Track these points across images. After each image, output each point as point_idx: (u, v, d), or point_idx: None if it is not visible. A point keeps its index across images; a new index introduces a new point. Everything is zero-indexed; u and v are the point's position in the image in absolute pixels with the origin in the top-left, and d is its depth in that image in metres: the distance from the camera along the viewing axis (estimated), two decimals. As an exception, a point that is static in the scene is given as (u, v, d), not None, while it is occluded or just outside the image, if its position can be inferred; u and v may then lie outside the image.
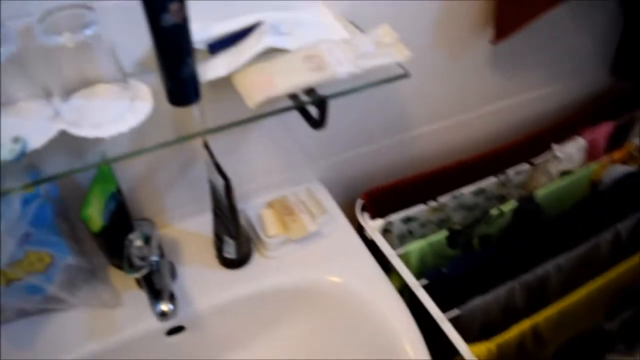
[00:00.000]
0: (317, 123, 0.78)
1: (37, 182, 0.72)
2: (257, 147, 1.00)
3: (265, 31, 0.77)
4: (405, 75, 0.78)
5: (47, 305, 0.89)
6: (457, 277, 1.03)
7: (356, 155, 1.13)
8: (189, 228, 1.04)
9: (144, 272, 0.80)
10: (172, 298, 0.83)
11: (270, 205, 1.04)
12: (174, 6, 0.64)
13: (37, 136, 0.68)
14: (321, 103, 0.75)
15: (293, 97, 0.77)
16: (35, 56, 0.67)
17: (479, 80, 1.16)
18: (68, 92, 0.72)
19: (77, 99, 0.73)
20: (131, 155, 0.73)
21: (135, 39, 0.75)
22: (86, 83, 0.73)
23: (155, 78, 0.74)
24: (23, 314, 0.90)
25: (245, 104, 0.73)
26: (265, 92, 0.72)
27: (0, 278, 0.81)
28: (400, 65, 0.79)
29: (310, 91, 0.76)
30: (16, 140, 0.65)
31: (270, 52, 0.76)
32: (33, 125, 0.71)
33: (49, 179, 0.76)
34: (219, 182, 0.83)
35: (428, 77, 1.07)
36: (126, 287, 0.94)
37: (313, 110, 0.80)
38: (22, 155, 0.65)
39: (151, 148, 0.71)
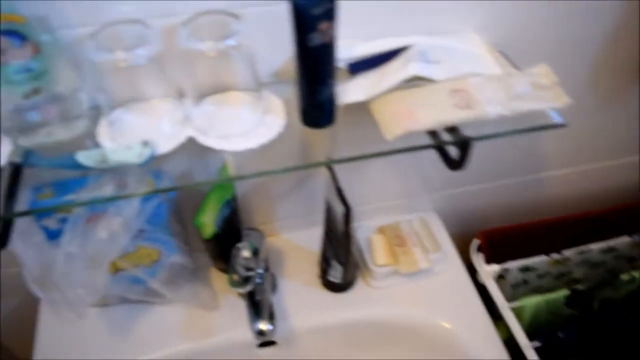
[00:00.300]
0: (455, 164, 0.71)
1: (158, 191, 0.71)
2: (377, 168, 0.95)
3: (413, 57, 0.71)
4: (561, 126, 0.70)
5: (147, 298, 0.89)
6: (572, 342, 0.94)
7: (478, 190, 1.06)
8: (295, 240, 1.01)
9: (248, 289, 0.77)
10: (271, 317, 0.81)
11: (381, 230, 0.99)
12: (323, 25, 0.60)
13: (166, 140, 0.67)
14: (464, 144, 0.68)
15: (432, 133, 0.71)
16: (175, 57, 0.65)
17: (630, 128, 1.05)
18: (200, 96, 0.70)
19: (208, 104, 0.70)
20: (255, 176, 0.69)
21: (273, 48, 0.72)
22: (219, 89, 0.71)
23: (288, 89, 0.71)
24: (124, 301, 0.90)
25: (382, 134, 0.68)
26: (406, 126, 0.67)
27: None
28: (556, 113, 0.71)
29: (452, 129, 0.69)
30: (145, 144, 0.64)
31: (414, 80, 0.71)
32: (163, 127, 0.69)
33: (170, 190, 0.75)
34: (338, 207, 0.79)
35: (573, 118, 0.96)
36: (225, 291, 0.93)
37: (451, 148, 0.73)
38: (150, 160, 0.63)
39: (278, 171, 0.68)
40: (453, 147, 0.71)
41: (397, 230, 0.98)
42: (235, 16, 0.64)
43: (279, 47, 0.73)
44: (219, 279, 0.94)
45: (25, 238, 0.72)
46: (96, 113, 0.70)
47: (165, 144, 0.66)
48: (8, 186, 0.66)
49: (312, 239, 0.98)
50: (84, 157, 0.64)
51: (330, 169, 0.80)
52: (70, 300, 0.74)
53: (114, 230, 0.72)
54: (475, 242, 1.02)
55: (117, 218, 0.72)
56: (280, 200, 0.95)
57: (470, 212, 1.10)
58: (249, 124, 0.69)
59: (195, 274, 0.90)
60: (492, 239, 1.02)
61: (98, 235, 0.72)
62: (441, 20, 0.77)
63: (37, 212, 0.74)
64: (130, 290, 0.87)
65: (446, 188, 1.04)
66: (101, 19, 0.65)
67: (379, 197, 1.00)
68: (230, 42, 0.62)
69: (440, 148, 0.72)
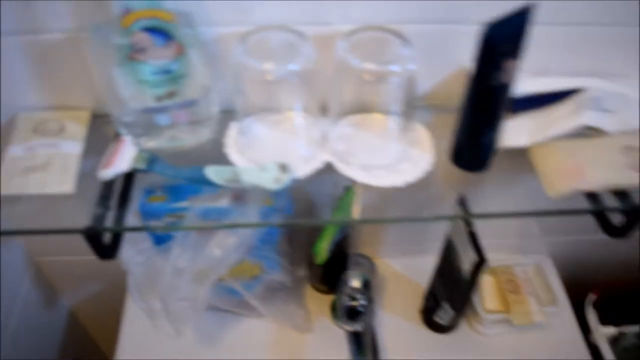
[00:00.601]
0: (617, 232, 0.62)
1: (270, 224, 0.65)
2: (495, 203, 0.86)
3: (586, 103, 0.62)
4: None
5: (238, 309, 0.84)
6: None
7: (601, 240, 0.95)
8: (397, 267, 0.94)
9: (356, 328, 0.71)
10: (375, 355, 0.74)
11: (492, 272, 0.90)
12: (508, 63, 0.52)
13: (301, 163, 0.60)
14: (635, 213, 0.60)
15: (591, 194, 0.62)
16: (323, 71, 0.58)
17: None
18: (340, 115, 0.63)
19: (347, 125, 0.64)
20: (387, 221, 0.62)
21: (426, 69, 0.64)
22: (362, 109, 0.64)
23: (429, 115, 0.63)
24: (214, 308, 0.85)
25: (545, 188, 0.60)
26: (573, 184, 0.59)
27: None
28: None
29: (620, 192, 0.60)
30: (284, 168, 0.57)
31: (582, 129, 0.62)
32: (299, 147, 0.63)
33: (293, 225, 0.69)
34: (468, 254, 0.71)
35: None
36: (320, 313, 0.87)
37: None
38: (288, 187, 0.57)
39: (426, 218, 0.60)
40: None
41: (510, 274, 0.89)
42: (403, 39, 0.56)
43: (431, 69, 0.65)
44: (314, 299, 0.88)
45: (132, 244, 0.67)
46: (225, 118, 0.64)
47: (300, 168, 0.60)
48: (121, 192, 0.61)
49: (416, 267, 0.92)
50: (214, 174, 0.57)
51: (467, 222, 0.72)
52: (172, 314, 0.69)
53: (227, 249, 0.66)
54: (591, 297, 0.93)
55: (232, 237, 0.66)
56: (392, 225, 0.87)
57: (587, 262, 1.00)
58: (392, 155, 0.62)
59: (291, 294, 0.85)
60: (610, 296, 0.93)
61: (210, 252, 0.66)
62: (612, 60, 0.67)
63: (149, 231, 0.69)
64: (223, 300, 0.82)
65: (566, 234, 0.94)
66: (248, 19, 0.59)
67: (493, 233, 0.91)
68: (395, 68, 0.55)
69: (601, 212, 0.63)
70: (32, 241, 0.86)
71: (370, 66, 0.55)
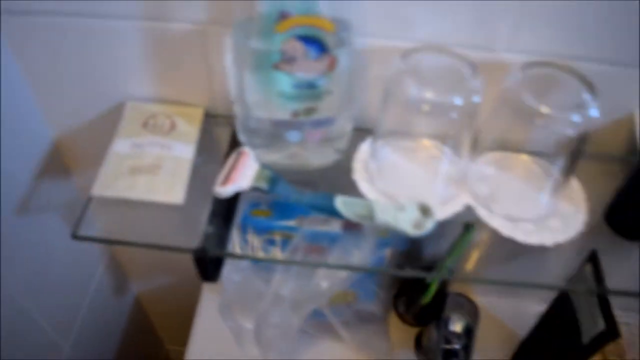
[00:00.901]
0: None
1: (382, 270, 0.59)
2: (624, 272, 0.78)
3: None
4: None
5: (320, 333, 0.78)
6: None
7: None
8: (490, 306, 0.84)
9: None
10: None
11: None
12: None
13: (439, 203, 0.53)
14: None
15: None
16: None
17: None
18: (480, 150, 0.56)
19: (488, 164, 0.56)
20: (501, 284, 0.56)
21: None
22: (505, 146, 0.57)
23: (586, 163, 0.55)
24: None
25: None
26: None
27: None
28: None
29: None
30: (426, 211, 0.50)
31: None
32: (437, 184, 0.56)
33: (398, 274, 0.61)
34: (593, 319, 0.63)
35: None
36: (402, 344, 0.81)
37: None
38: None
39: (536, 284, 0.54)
40: None
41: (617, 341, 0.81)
42: (588, 84, 0.48)
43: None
44: (398, 329, 0.82)
45: (231, 262, 0.61)
46: (356, 137, 0.58)
47: (438, 209, 0.52)
48: (228, 206, 0.56)
49: (511, 311, 0.85)
50: (345, 206, 0.51)
51: (603, 298, 0.63)
52: (263, 338, 0.63)
53: (335, 282, 0.60)
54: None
55: (342, 271, 0.60)
56: (490, 264, 0.80)
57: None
58: (541, 207, 0.55)
59: (376, 322, 0.78)
60: None
61: (316, 284, 0.60)
62: None
63: (261, 260, 0.63)
64: (307, 322, 0.76)
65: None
66: (407, 34, 0.53)
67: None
68: (576, 118, 0.47)
69: None
70: (110, 228, 0.82)
71: (547, 110, 0.47)
